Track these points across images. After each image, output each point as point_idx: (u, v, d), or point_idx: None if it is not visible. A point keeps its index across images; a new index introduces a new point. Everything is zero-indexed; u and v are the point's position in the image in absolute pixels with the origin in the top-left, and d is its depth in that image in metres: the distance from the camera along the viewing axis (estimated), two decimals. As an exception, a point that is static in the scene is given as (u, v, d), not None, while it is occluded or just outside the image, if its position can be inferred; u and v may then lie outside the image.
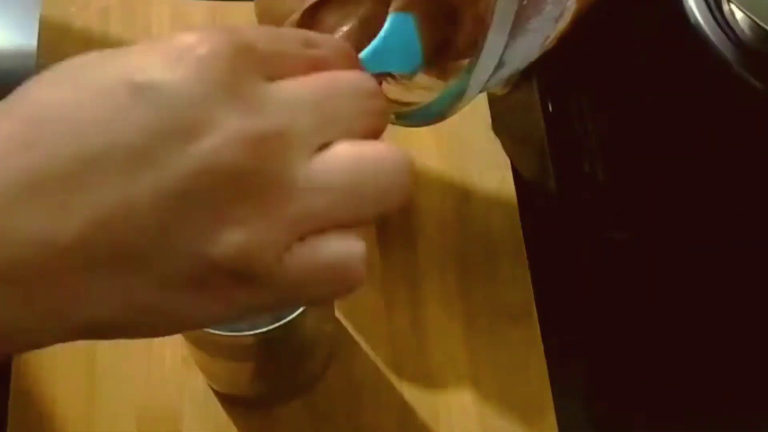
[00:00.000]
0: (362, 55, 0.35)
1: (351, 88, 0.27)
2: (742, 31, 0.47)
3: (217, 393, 0.49)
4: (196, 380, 0.49)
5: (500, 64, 0.31)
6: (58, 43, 0.59)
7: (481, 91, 0.32)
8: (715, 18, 0.48)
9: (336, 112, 0.27)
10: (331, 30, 0.37)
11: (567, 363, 0.51)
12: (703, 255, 0.50)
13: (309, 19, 0.37)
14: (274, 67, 0.27)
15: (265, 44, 0.27)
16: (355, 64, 0.30)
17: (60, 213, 0.24)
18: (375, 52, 0.36)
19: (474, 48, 0.32)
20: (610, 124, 0.48)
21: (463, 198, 0.55)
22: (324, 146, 0.26)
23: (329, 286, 0.26)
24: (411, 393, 0.50)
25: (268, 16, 0.39)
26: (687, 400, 0.51)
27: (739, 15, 0.48)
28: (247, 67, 0.26)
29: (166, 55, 0.25)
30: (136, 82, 0.24)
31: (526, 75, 0.49)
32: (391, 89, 0.37)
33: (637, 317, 0.52)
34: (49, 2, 0.61)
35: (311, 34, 0.29)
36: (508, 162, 0.56)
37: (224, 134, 0.24)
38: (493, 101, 0.57)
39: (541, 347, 0.51)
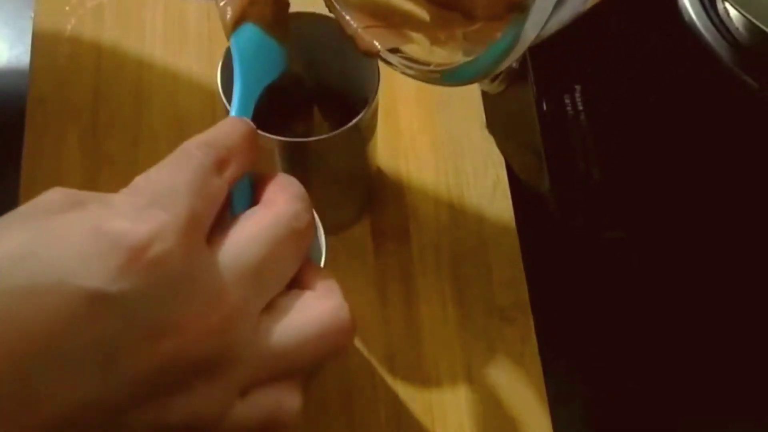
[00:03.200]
0: (234, 111, 0.34)
1: (287, 234, 0.29)
2: (737, 29, 0.47)
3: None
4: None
5: (560, 2, 0.28)
6: (51, 42, 0.59)
7: (535, 41, 0.28)
8: (709, 16, 0.48)
9: (278, 271, 0.29)
10: None
11: (562, 362, 0.51)
12: (699, 255, 0.50)
13: None
14: (211, 217, 0.29)
15: (202, 204, 0.28)
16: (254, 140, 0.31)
17: (19, 416, 0.25)
18: (243, 95, 0.34)
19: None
20: (605, 122, 0.48)
21: (457, 196, 0.55)
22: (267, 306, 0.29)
23: None
24: (405, 392, 0.50)
25: None
26: (684, 400, 0.51)
27: (733, 13, 0.48)
28: (197, 248, 0.27)
29: (118, 256, 0.25)
30: (93, 291, 0.25)
31: (520, 73, 0.49)
32: (412, 48, 0.34)
33: (632, 317, 0.52)
34: (43, 1, 0.60)
35: (219, 147, 0.30)
36: (503, 160, 0.56)
37: (187, 333, 0.26)
38: (487, 99, 0.57)
39: (536, 346, 0.51)
